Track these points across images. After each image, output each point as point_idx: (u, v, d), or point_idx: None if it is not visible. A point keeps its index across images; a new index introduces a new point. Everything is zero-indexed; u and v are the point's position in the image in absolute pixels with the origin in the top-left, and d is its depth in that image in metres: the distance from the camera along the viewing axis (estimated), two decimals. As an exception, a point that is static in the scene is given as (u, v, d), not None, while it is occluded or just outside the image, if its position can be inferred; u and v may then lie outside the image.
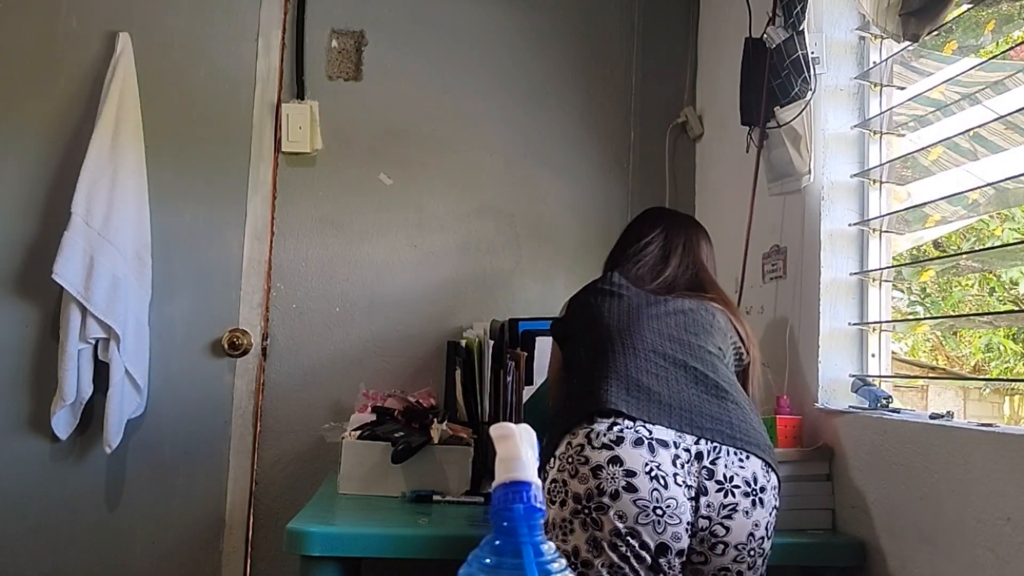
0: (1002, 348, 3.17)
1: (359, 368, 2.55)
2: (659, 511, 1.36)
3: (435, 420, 1.99)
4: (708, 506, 1.41)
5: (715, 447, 1.44)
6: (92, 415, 2.41)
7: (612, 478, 1.37)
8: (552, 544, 0.65)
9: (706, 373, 1.54)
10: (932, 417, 1.55)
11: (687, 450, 1.42)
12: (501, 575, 0.62)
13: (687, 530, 1.39)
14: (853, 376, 1.83)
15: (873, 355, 1.85)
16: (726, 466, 1.43)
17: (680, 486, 1.39)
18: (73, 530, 2.43)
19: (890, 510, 1.59)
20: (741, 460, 1.44)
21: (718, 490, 1.41)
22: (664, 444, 1.41)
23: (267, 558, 2.48)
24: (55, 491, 2.43)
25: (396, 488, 1.91)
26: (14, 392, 2.44)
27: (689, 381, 1.52)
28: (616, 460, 1.38)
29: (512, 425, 0.68)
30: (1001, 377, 3.40)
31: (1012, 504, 1.29)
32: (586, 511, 1.37)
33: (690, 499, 1.40)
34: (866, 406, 1.74)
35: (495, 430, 0.68)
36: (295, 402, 2.53)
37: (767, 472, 1.46)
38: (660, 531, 1.36)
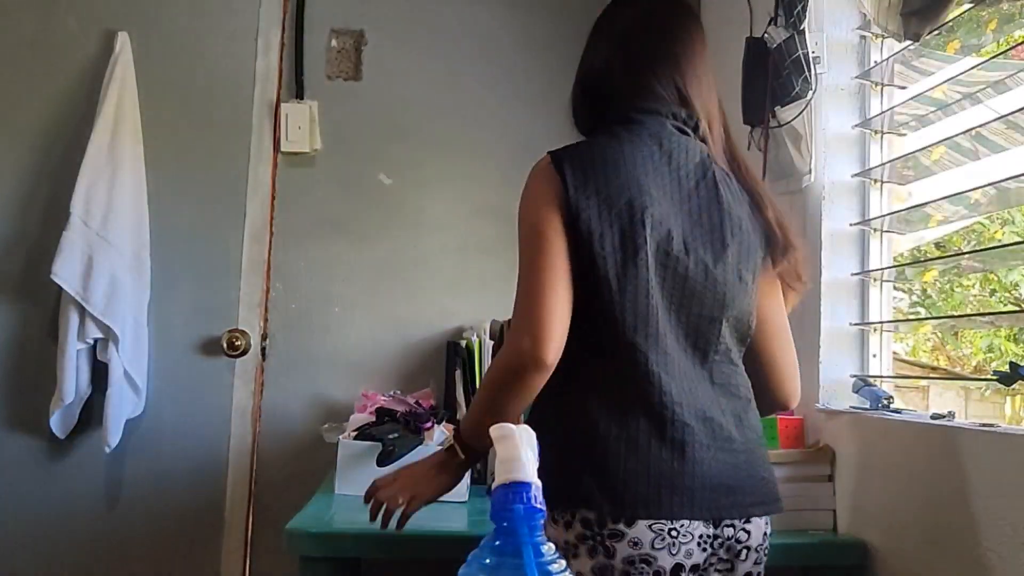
0: (1003, 349, 3.16)
1: (358, 368, 2.54)
2: (674, 532, 1.22)
3: (434, 421, 1.99)
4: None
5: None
6: (91, 415, 2.40)
7: None
8: (551, 545, 0.65)
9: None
10: (933, 417, 1.54)
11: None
12: (501, 575, 0.62)
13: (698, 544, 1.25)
14: (854, 376, 1.82)
15: (874, 355, 1.84)
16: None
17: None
18: (72, 530, 2.42)
19: (892, 511, 1.58)
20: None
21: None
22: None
23: (266, 558, 2.47)
24: (54, 491, 2.42)
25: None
26: (13, 392, 2.44)
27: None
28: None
29: (512, 426, 0.68)
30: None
31: (1014, 504, 1.28)
32: (597, 538, 1.21)
33: None
34: (867, 406, 1.74)
35: (495, 431, 0.68)
36: (294, 402, 2.53)
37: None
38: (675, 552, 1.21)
